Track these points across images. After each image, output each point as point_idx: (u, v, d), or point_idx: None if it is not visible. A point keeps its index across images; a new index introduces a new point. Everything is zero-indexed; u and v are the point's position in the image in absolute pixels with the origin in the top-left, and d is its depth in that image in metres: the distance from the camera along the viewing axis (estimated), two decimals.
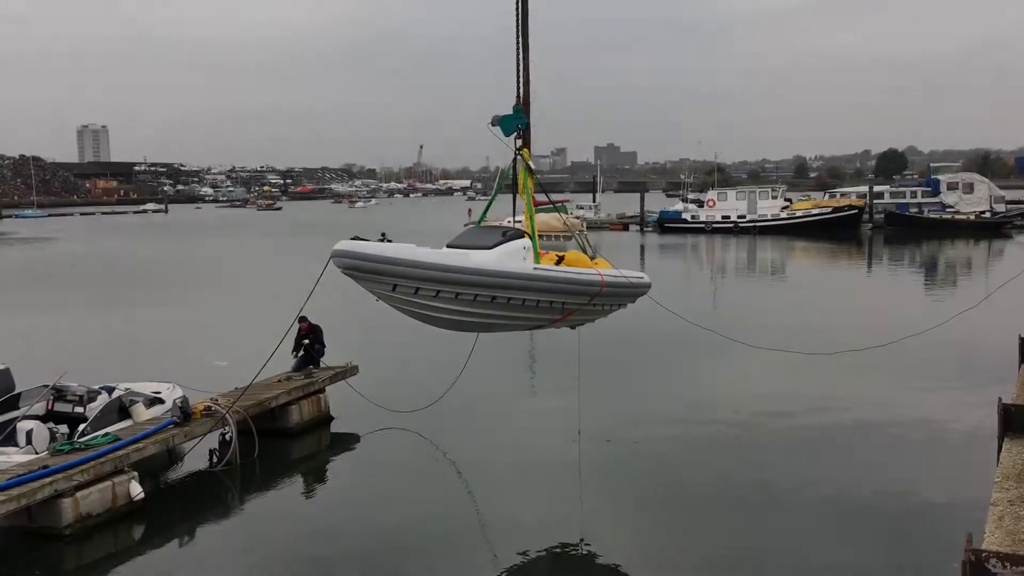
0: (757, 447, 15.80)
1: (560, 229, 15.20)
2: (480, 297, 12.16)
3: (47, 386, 15.24)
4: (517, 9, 13.63)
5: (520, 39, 13.66)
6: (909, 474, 14.00)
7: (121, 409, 15.16)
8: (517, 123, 13.86)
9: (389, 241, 11.95)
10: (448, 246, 13.03)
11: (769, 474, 14.29)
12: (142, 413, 15.30)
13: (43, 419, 14.61)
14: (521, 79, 13.83)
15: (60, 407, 14.96)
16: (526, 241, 13.20)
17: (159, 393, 16.39)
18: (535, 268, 12.76)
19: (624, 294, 14.85)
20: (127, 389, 15.86)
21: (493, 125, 13.74)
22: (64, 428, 14.51)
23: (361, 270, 11.47)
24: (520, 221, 15.13)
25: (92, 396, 15.17)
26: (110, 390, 15.58)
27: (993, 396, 12.10)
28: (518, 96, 13.88)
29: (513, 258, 12.76)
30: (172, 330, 30.23)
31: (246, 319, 32.13)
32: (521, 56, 13.71)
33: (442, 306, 11.99)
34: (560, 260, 13.75)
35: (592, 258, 14.81)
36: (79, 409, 14.90)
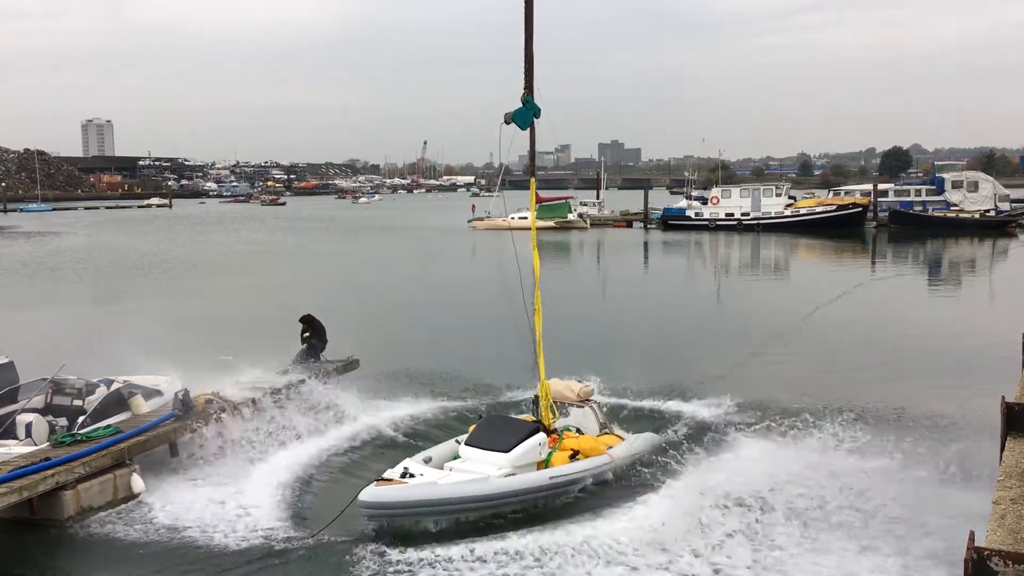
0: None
1: (572, 399, 15.59)
2: (498, 510, 12.74)
3: (46, 379, 15.24)
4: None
5: (526, 26, 13.55)
6: (911, 471, 13.93)
7: (120, 402, 15.15)
8: (533, 114, 13.85)
9: (412, 476, 12.41)
10: (465, 444, 13.52)
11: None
12: (141, 406, 15.30)
13: (42, 412, 14.61)
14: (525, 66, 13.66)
15: (59, 400, 14.98)
16: (541, 436, 13.62)
17: (158, 386, 16.39)
18: (551, 478, 13.20)
19: (634, 463, 15.29)
20: (125, 382, 15.85)
21: (507, 123, 13.68)
22: (63, 421, 14.50)
23: (388, 516, 11.98)
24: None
25: (91, 389, 15.18)
26: (108, 383, 15.57)
27: (996, 394, 12.02)
28: (527, 87, 13.75)
29: (530, 456, 13.32)
30: (179, 324, 30.20)
31: (251, 314, 32.13)
32: (525, 44, 13.61)
33: (462, 520, 12.48)
34: (575, 455, 13.93)
35: (604, 427, 15.18)
36: (78, 402, 14.91)
